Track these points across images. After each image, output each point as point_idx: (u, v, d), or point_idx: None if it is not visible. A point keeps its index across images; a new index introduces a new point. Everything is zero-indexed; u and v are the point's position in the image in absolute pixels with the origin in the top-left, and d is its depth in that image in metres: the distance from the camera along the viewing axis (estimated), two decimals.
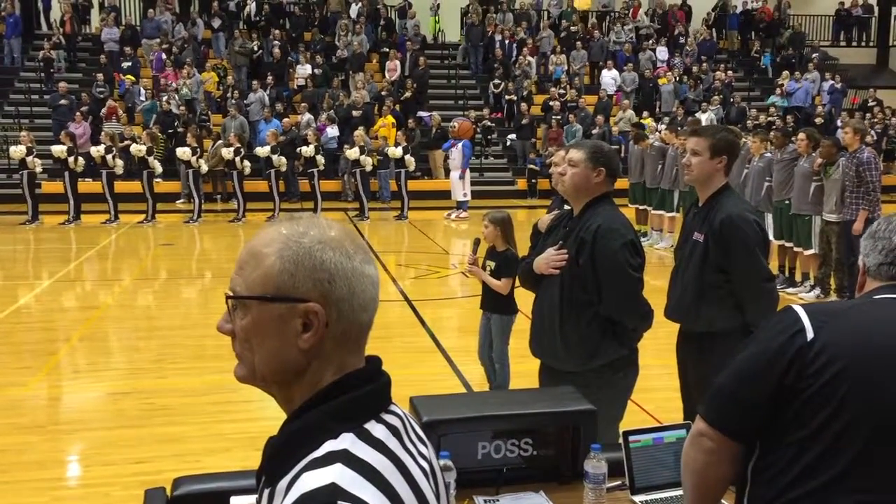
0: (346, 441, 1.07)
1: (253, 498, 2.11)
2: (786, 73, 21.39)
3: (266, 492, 1.12)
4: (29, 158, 13.92)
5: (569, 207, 3.58)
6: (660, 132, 13.35)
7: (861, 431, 1.59)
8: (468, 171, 16.03)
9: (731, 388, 1.73)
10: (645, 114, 19.37)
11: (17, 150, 14.05)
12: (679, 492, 2.38)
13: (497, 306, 5.17)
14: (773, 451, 1.69)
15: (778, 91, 20.86)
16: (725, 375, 1.76)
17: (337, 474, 1.02)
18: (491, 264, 5.13)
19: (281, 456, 1.10)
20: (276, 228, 1.17)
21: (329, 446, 1.07)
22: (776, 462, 1.68)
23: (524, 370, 4.95)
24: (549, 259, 3.31)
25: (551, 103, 19.30)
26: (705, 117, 17.98)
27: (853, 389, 1.60)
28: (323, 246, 1.13)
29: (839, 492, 1.60)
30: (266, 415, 4.90)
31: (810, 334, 1.65)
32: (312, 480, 1.02)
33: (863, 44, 25.46)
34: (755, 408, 1.69)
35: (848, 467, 1.60)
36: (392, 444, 1.12)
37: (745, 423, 1.71)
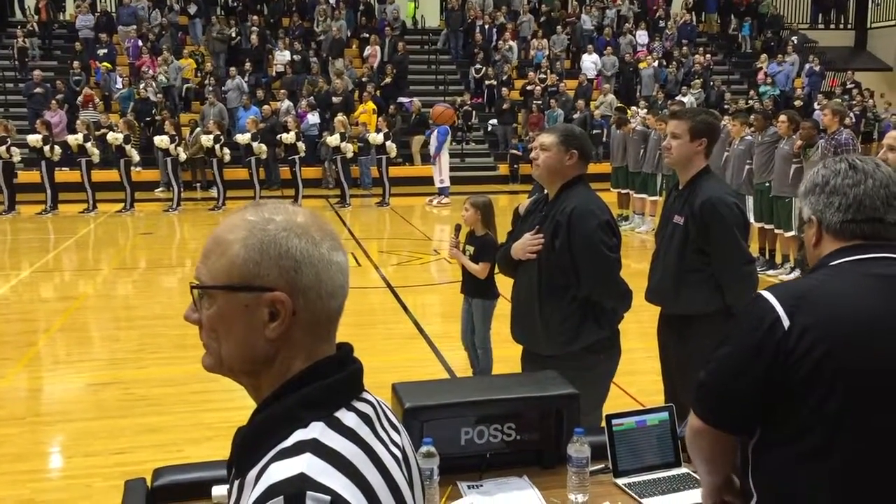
0: (316, 430, 1.06)
1: None
2: (764, 56, 21.46)
3: (236, 483, 1.10)
4: (2, 148, 13.72)
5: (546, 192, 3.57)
6: (641, 115, 13.35)
7: (854, 406, 1.60)
8: (445, 156, 15.90)
9: (720, 387, 1.72)
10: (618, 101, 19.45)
11: None
12: (661, 474, 2.40)
13: (477, 291, 5.17)
14: (772, 434, 1.69)
15: (761, 76, 20.90)
16: (711, 373, 1.74)
17: (305, 464, 1.01)
18: (470, 248, 5.12)
19: (250, 446, 1.08)
20: (241, 215, 1.14)
21: (298, 436, 1.05)
22: (777, 444, 1.69)
23: (507, 355, 4.95)
24: (526, 244, 3.30)
25: (529, 87, 19.26)
26: (686, 100, 18.03)
27: (839, 367, 1.61)
28: (288, 233, 1.11)
29: (838, 468, 1.62)
30: (248, 404, 4.85)
31: (786, 322, 1.63)
32: (281, 470, 1.01)
33: (841, 26, 25.59)
34: (747, 402, 1.68)
35: (848, 442, 1.61)
36: (363, 432, 1.10)
37: (739, 418, 1.71)
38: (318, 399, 1.09)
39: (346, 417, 1.10)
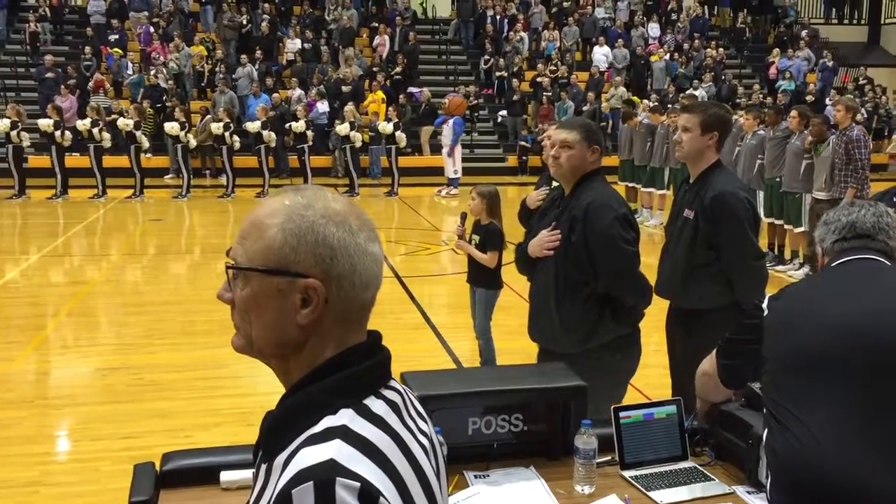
0: (345, 417, 1.06)
1: (242, 472, 2.11)
2: (776, 50, 21.34)
3: (263, 467, 1.11)
4: (13, 132, 13.77)
5: (556, 184, 3.55)
6: (646, 111, 13.30)
7: (777, 377, 2.07)
8: (459, 147, 15.95)
9: (734, 361, 2.28)
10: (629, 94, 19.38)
11: (1, 124, 13.89)
12: (668, 467, 2.41)
13: (482, 280, 5.17)
14: (766, 403, 2.11)
15: (773, 70, 20.79)
16: (727, 343, 2.30)
17: (335, 450, 1.02)
18: (476, 237, 5.13)
19: (279, 431, 1.09)
20: (281, 199, 1.14)
21: (328, 422, 1.06)
22: (768, 410, 2.09)
23: (513, 347, 4.96)
24: (543, 241, 3.25)
25: (539, 79, 19.19)
26: (698, 94, 17.94)
27: (770, 345, 2.09)
28: (326, 221, 1.11)
29: (783, 433, 2.00)
30: (257, 390, 4.90)
31: (766, 312, 2.15)
32: (310, 456, 1.01)
33: (854, 21, 25.41)
34: (748, 366, 2.20)
35: (780, 408, 2.02)
36: (391, 419, 1.10)
37: (741, 378, 2.30)
38: (348, 386, 1.10)
39: (375, 405, 1.10)
